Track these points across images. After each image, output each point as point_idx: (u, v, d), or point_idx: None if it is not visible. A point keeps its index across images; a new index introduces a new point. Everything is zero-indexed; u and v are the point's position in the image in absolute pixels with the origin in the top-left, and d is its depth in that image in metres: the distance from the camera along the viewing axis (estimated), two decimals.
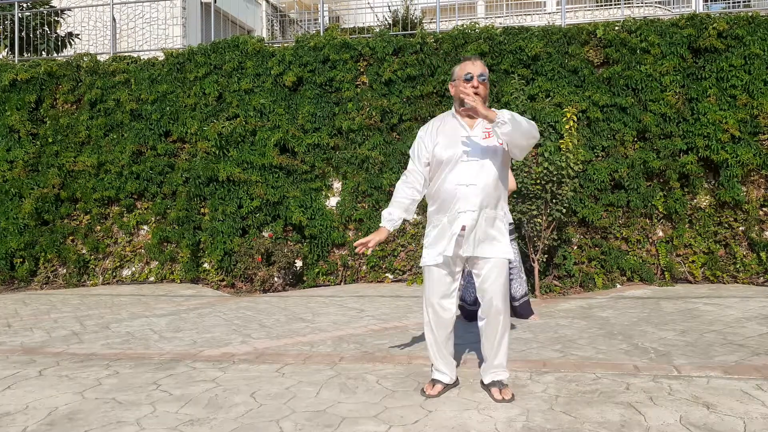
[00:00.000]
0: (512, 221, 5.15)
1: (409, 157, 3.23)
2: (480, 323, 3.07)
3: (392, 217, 3.11)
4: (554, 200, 6.09)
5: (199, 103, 8.08)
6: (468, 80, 2.96)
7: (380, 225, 3.13)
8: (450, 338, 3.15)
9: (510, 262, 4.99)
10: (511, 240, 5.09)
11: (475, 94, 2.87)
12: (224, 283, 7.69)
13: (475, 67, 2.97)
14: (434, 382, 3.15)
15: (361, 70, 7.81)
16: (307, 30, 16.50)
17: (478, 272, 3.03)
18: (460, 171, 2.96)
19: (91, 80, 8.41)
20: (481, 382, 3.16)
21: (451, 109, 3.17)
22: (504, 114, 2.78)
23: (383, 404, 2.96)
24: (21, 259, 8.25)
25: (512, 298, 5.05)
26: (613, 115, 7.18)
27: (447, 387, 3.16)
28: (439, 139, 3.03)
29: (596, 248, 7.14)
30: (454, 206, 2.97)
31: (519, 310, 5.09)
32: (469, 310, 5.07)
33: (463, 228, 2.95)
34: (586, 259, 7.09)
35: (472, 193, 2.94)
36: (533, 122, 2.91)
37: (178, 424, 2.73)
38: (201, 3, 15.07)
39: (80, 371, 3.67)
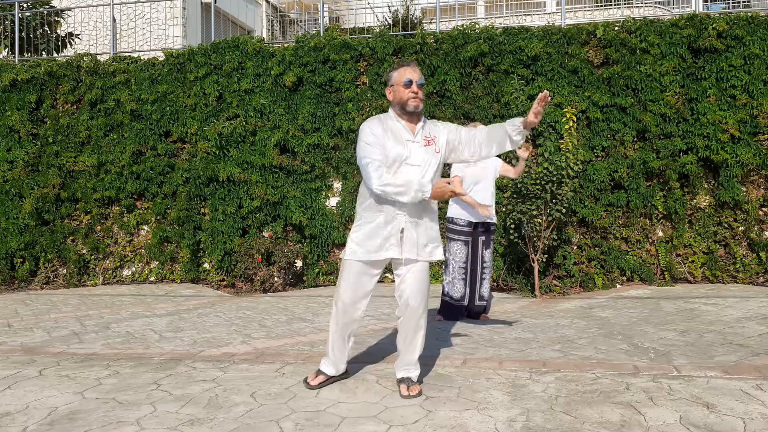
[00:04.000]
0: (495, 222, 5.17)
1: None
2: (398, 321, 3.16)
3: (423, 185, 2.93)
4: (554, 200, 6.10)
5: (199, 104, 8.08)
6: (407, 85, 3.00)
7: (425, 193, 2.90)
8: (352, 334, 3.26)
9: (484, 263, 5.07)
10: (491, 240, 5.11)
11: (417, 98, 2.99)
12: (224, 283, 7.70)
13: (415, 73, 3.03)
14: (318, 372, 3.27)
15: (361, 70, 7.81)
16: (307, 30, 16.54)
17: (400, 273, 3.09)
18: (402, 172, 2.97)
19: (91, 80, 8.42)
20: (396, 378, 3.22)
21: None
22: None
23: (383, 404, 2.96)
24: (21, 259, 8.26)
25: (480, 298, 5.13)
26: (612, 115, 7.18)
27: (330, 378, 3.25)
28: (389, 137, 3.01)
29: (596, 248, 7.15)
30: (393, 206, 3.01)
31: (475, 310, 5.14)
32: (455, 306, 5.10)
33: (402, 230, 3.01)
34: (585, 259, 7.10)
35: None
36: None
37: (178, 424, 2.73)
38: (201, 3, 15.07)
39: (80, 371, 3.67)
